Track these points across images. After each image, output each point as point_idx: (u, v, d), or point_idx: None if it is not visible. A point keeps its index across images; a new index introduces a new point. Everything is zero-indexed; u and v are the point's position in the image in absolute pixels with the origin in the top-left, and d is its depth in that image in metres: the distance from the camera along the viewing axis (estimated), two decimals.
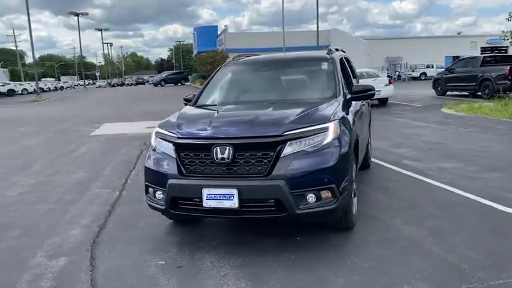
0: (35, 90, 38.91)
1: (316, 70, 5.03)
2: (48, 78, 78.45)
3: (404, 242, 3.78)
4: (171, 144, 3.77)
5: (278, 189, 3.38)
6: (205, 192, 3.52)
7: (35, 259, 3.77)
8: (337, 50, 5.90)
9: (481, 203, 4.73)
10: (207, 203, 3.53)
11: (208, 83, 5.28)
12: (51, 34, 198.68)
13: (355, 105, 4.73)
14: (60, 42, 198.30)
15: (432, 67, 41.58)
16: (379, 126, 11.40)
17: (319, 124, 3.63)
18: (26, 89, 46.32)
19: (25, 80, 56.54)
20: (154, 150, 3.96)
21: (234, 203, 3.46)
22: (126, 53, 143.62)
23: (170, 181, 3.65)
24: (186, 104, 4.94)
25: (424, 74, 41.22)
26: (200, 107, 4.73)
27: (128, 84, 78.20)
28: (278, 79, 5.10)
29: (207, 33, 54.13)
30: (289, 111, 3.91)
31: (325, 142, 3.56)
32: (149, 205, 3.99)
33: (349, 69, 5.49)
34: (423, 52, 46.60)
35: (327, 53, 5.18)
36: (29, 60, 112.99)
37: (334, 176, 3.52)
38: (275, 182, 3.40)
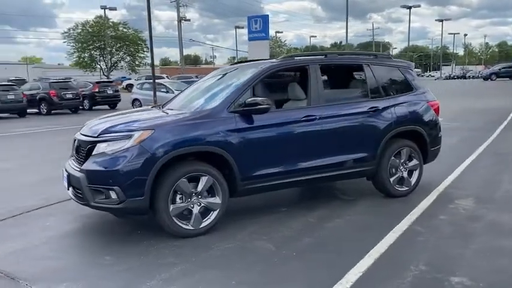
0: None
1: (236, 81, 4.81)
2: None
3: None
4: None
5: (78, 180, 4.05)
6: (63, 173, 4.52)
7: None
8: (325, 55, 5.22)
9: None
10: (64, 183, 4.50)
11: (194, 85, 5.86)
12: (424, 25, 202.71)
13: (267, 117, 4.43)
14: (432, 32, 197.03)
15: None
16: None
17: (126, 132, 4.09)
18: None
19: None
20: None
21: (66, 186, 4.41)
22: (487, 43, 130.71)
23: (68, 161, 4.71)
24: None
25: None
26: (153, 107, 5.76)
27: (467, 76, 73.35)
28: (208, 88, 5.23)
29: None
30: (140, 117, 4.58)
31: (122, 148, 3.95)
32: None
33: (310, 80, 4.81)
34: None
35: (274, 62, 4.89)
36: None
37: (119, 179, 3.89)
38: (78, 174, 4.09)
